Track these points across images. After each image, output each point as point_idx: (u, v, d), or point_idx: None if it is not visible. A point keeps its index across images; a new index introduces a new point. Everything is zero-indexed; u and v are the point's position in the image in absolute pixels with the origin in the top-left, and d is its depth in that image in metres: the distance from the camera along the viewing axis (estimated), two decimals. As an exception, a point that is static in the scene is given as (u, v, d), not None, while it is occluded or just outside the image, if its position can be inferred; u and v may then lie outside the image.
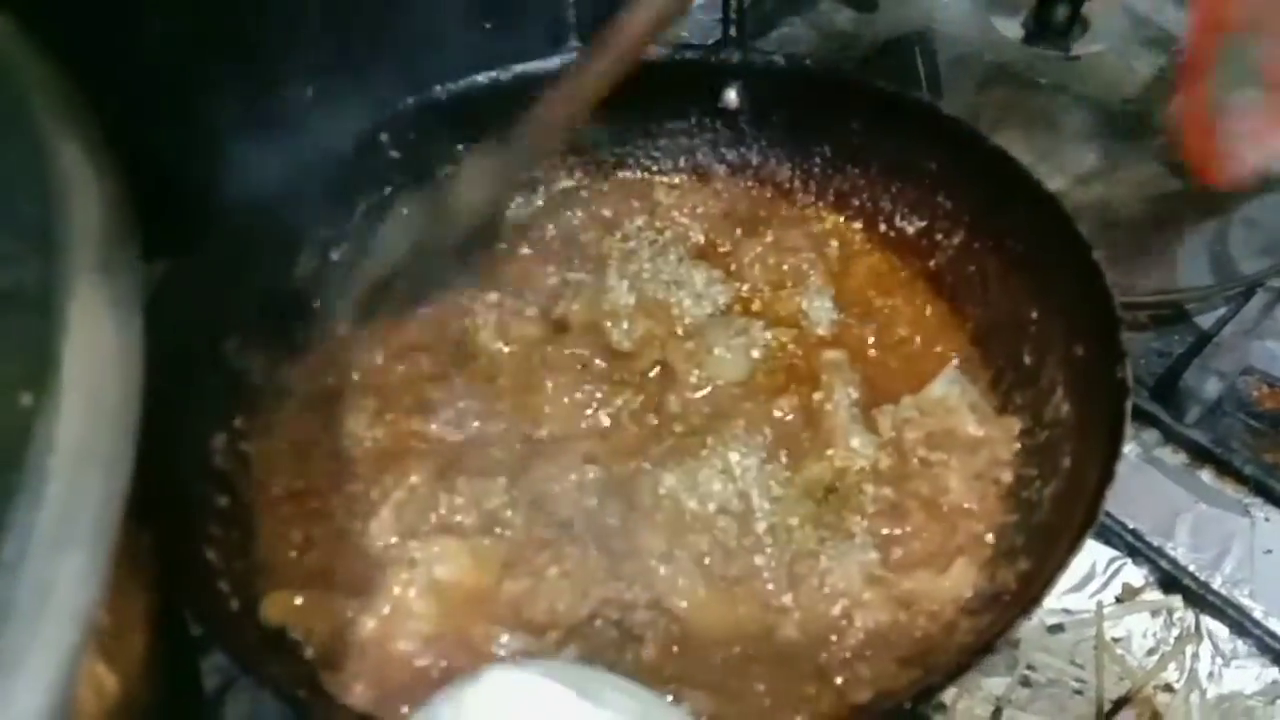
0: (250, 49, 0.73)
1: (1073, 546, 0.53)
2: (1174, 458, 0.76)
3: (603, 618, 0.58)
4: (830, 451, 0.66)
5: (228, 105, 0.68)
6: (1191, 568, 0.70)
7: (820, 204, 0.82)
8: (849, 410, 0.67)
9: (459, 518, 0.62)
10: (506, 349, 0.72)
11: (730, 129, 0.83)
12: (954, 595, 0.60)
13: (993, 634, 0.53)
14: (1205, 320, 0.84)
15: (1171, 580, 0.69)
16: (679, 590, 0.60)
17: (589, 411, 0.68)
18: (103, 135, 0.41)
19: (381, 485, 0.64)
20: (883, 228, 0.79)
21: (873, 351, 0.73)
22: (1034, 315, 0.69)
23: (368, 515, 0.62)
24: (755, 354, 0.72)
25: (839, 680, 0.57)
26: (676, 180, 0.84)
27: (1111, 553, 0.71)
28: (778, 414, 0.68)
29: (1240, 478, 0.74)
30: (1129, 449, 0.75)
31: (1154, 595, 0.69)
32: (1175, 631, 0.68)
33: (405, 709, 0.54)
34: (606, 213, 0.82)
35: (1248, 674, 0.66)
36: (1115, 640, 0.67)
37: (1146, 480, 0.75)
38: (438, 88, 0.77)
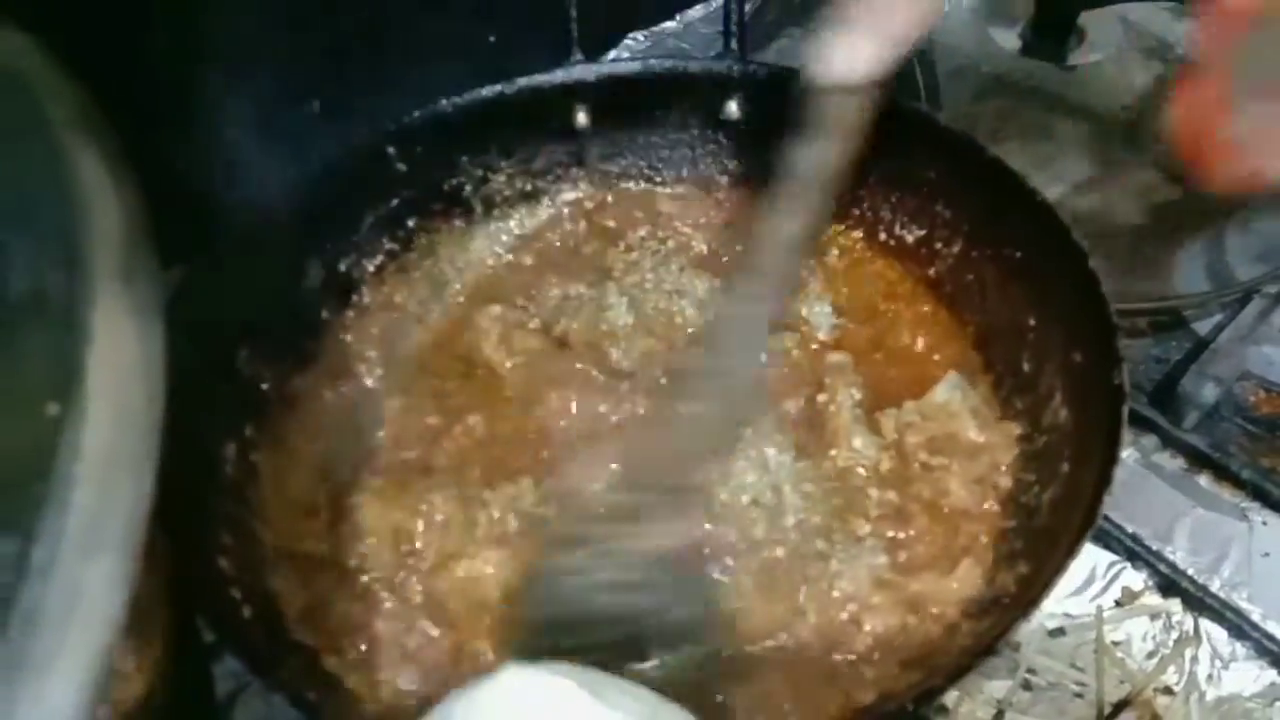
0: (258, 63, 0.74)
1: (1071, 550, 0.53)
2: (1172, 463, 0.76)
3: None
4: (834, 452, 0.67)
5: (235, 118, 0.69)
6: (1190, 571, 0.70)
7: (821, 213, 0.83)
8: (852, 411, 0.68)
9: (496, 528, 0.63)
10: (510, 363, 0.73)
11: (732, 140, 0.83)
12: (961, 596, 0.60)
13: (993, 636, 0.53)
14: (1202, 326, 0.84)
15: (1170, 584, 0.70)
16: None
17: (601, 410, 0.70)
18: (120, 146, 0.41)
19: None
20: (883, 236, 0.80)
21: (874, 356, 0.74)
22: (1032, 322, 0.69)
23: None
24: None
25: (846, 682, 0.57)
26: (679, 191, 0.85)
27: (1111, 557, 0.71)
28: (783, 414, 0.69)
29: (1238, 482, 0.74)
30: (1127, 454, 0.75)
31: (1153, 599, 0.70)
32: (1174, 635, 0.68)
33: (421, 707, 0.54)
34: (610, 223, 0.83)
35: (1246, 676, 0.66)
36: (1115, 643, 0.67)
37: (1145, 485, 0.75)
38: (444, 101, 0.78)
